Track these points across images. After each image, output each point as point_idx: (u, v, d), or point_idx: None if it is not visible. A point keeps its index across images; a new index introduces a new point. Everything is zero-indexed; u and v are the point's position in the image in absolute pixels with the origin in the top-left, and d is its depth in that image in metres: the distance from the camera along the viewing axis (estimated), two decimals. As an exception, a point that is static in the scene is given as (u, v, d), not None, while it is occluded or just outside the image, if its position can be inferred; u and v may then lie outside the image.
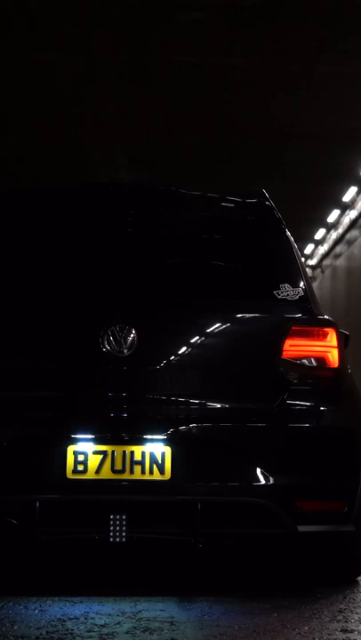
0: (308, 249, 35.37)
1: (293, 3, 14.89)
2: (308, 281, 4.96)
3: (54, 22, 15.58)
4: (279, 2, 14.90)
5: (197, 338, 4.59)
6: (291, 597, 4.50)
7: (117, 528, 4.33)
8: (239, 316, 4.68)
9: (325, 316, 4.78)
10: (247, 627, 3.94)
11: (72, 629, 3.75)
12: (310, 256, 36.53)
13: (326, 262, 34.58)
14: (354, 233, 29.65)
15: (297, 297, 4.75)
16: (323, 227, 31.88)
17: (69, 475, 4.34)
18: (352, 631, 3.92)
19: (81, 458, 4.36)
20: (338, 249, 32.21)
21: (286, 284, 4.78)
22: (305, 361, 4.61)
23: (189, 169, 24.20)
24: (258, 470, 4.40)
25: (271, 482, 4.40)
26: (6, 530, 4.30)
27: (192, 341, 4.58)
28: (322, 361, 4.63)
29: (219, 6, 14.99)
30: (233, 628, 3.92)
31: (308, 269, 37.81)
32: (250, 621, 4.03)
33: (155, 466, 4.37)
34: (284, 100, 19.19)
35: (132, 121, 20.41)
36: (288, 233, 5.14)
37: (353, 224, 29.56)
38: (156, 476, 4.36)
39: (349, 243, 30.28)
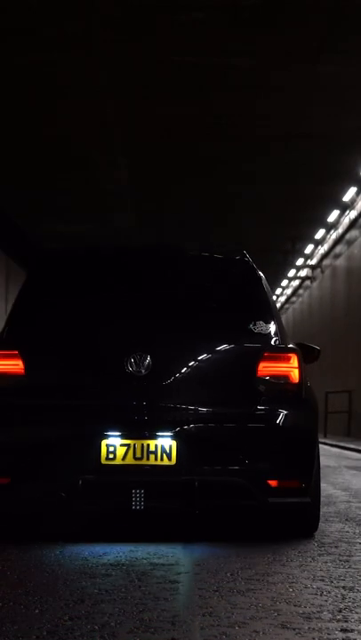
0: (308, 249, 35.36)
1: (293, 3, 15.00)
2: (279, 318, 6.80)
3: (54, 22, 15.64)
4: (279, 2, 15.01)
5: (194, 361, 6.40)
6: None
7: (137, 500, 6.14)
8: (226, 344, 6.49)
9: (290, 345, 6.59)
10: (246, 625, 3.95)
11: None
12: (310, 256, 36.49)
13: (326, 262, 34.56)
14: (354, 233, 29.64)
15: (268, 331, 6.59)
16: (323, 227, 31.87)
17: (103, 461, 6.17)
18: (352, 631, 3.93)
19: (111, 449, 6.18)
20: (338, 249, 32.19)
21: (261, 322, 6.63)
22: (274, 378, 6.39)
23: (190, 169, 24.26)
24: (239, 458, 6.21)
25: (249, 467, 6.21)
26: (58, 501, 6.17)
27: (190, 364, 6.39)
28: (286, 378, 6.42)
29: (219, 6, 15.10)
30: (233, 629, 3.93)
31: (308, 269, 37.77)
32: (247, 617, 4.04)
33: (164, 455, 6.18)
34: (284, 100, 19.24)
35: (131, 121, 20.51)
36: (264, 282, 6.94)
37: (353, 224, 29.54)
38: (165, 462, 6.18)
39: (349, 243, 30.26)
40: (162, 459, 6.17)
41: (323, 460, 16.70)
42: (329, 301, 34.33)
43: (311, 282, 38.25)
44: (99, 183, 25.26)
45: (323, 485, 9.82)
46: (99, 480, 6.19)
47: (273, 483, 6.25)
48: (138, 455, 6.18)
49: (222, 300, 6.85)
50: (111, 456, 6.18)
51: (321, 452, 19.79)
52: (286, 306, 46.42)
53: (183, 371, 6.37)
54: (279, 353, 6.46)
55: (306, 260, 37.18)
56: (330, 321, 33.80)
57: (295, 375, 6.45)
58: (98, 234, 31.57)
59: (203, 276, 7.03)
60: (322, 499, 7.68)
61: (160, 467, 6.17)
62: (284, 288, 44.85)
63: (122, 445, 6.17)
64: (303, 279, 39.69)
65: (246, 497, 6.25)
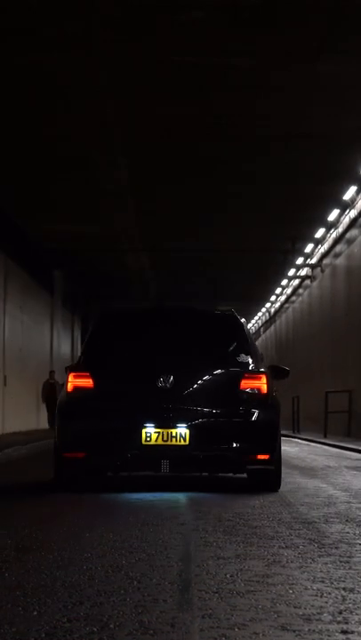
0: (308, 248, 35.33)
1: (293, 3, 15.01)
2: (255, 351, 10.84)
3: (54, 22, 15.65)
4: (279, 2, 15.02)
5: (200, 380, 10.21)
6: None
7: (165, 467, 9.94)
8: (220, 369, 10.33)
9: (261, 369, 10.42)
10: (246, 627, 3.94)
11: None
12: (310, 255, 36.46)
13: (326, 261, 34.53)
14: (354, 232, 29.60)
15: (247, 361, 10.50)
16: (323, 226, 31.84)
17: (143, 442, 9.88)
18: (352, 632, 3.92)
19: (148, 434, 9.90)
20: (338, 248, 32.16)
21: (242, 354, 10.58)
22: (250, 390, 10.16)
23: (189, 169, 24.27)
24: (229, 440, 9.93)
25: (235, 445, 9.94)
26: (115, 467, 10.23)
27: (198, 382, 10.19)
28: (259, 390, 10.18)
29: (219, 6, 15.11)
30: (233, 631, 3.91)
31: (308, 269, 37.71)
32: (247, 619, 4.03)
33: (181, 438, 9.88)
34: (285, 100, 19.24)
35: (131, 121, 20.50)
36: (245, 328, 10.94)
37: (353, 223, 29.51)
38: (182, 443, 9.87)
39: (349, 242, 30.22)
40: (180, 441, 9.92)
41: (323, 461, 16.70)
42: (329, 301, 34.30)
43: (311, 281, 38.22)
44: (99, 183, 25.23)
45: (323, 486, 11.07)
46: (140, 454, 9.97)
47: (250, 456, 10.05)
48: (165, 439, 9.92)
49: (218, 341, 10.80)
50: (148, 439, 9.93)
51: (321, 453, 19.87)
52: (286, 305, 46.38)
53: (193, 386, 10.18)
54: (254, 374, 10.31)
55: (306, 260, 37.16)
56: (330, 320, 33.78)
57: (264, 388, 10.24)
58: (98, 234, 31.62)
59: (206, 325, 11.05)
60: (322, 499, 9.32)
61: (179, 446, 9.91)
62: (283, 287, 44.82)
63: (155, 432, 9.92)
64: (303, 278, 39.66)
65: (234, 465, 10.23)
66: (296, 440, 29.33)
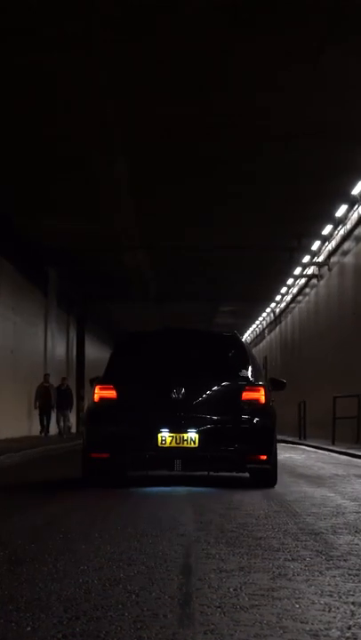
0: (315, 245, 35.33)
1: (293, 2, 15.38)
2: (255, 366, 13.07)
3: (54, 22, 16.03)
4: (279, 2, 15.39)
5: (208, 392, 12.22)
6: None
7: (177, 467, 11.95)
8: (225, 383, 12.38)
9: (260, 382, 12.51)
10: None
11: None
12: (317, 253, 36.46)
13: (334, 259, 34.52)
14: (363, 229, 29.59)
15: (247, 375, 12.55)
16: (330, 222, 31.84)
17: (159, 444, 11.90)
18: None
19: (163, 438, 11.93)
20: (346, 245, 32.15)
21: (243, 370, 12.65)
22: (251, 400, 12.19)
23: (190, 167, 24.51)
24: (232, 443, 11.93)
25: (237, 448, 11.97)
26: (135, 466, 12.35)
27: (206, 393, 12.21)
28: (258, 400, 12.22)
29: (219, 6, 15.45)
30: (232, 635, 3.91)
31: (314, 267, 37.71)
32: (251, 635, 4.02)
33: (191, 441, 11.88)
34: (285, 99, 19.61)
35: (131, 121, 20.84)
36: (246, 347, 13.17)
37: (362, 219, 29.49)
38: (192, 445, 11.87)
39: (358, 239, 30.21)
40: (190, 443, 12.01)
41: (330, 469, 16.72)
42: (337, 300, 34.29)
43: (318, 280, 38.22)
44: (99, 183, 25.57)
45: (331, 495, 11.22)
46: (156, 455, 12.07)
47: (250, 457, 12.15)
48: (177, 442, 12.01)
49: (222, 358, 13.01)
50: (163, 442, 12.02)
51: (328, 460, 19.89)
52: (292, 305, 46.38)
53: (201, 397, 12.27)
54: (254, 387, 12.45)
55: (312, 258, 37.15)
56: (338, 321, 33.78)
57: (262, 399, 12.37)
58: (96, 232, 31.70)
59: (212, 345, 13.32)
60: (330, 509, 9.46)
61: (189, 448, 12.00)
62: (289, 287, 44.83)
63: (169, 436, 12.02)
64: (310, 277, 39.67)
65: (236, 464, 12.25)
66: (302, 447, 29.34)
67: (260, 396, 12.31)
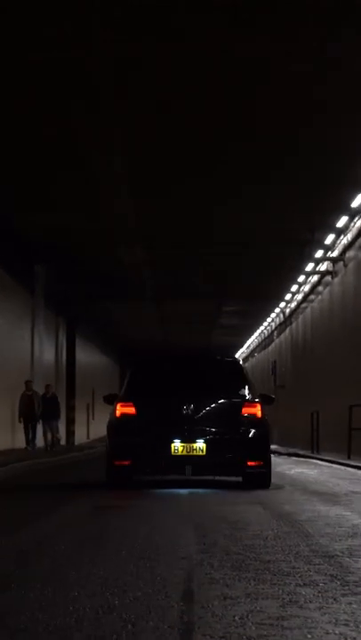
0: (329, 239, 35.32)
1: (294, 3, 16.52)
2: (252, 386, 16.67)
3: (54, 22, 17.10)
4: (279, 2, 16.51)
5: (213, 408, 16.03)
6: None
7: (188, 472, 15.73)
8: (227, 400, 16.17)
9: (256, 399, 16.28)
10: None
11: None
12: (331, 247, 36.45)
13: (350, 254, 34.52)
14: (381, 221, 29.61)
15: (245, 394, 16.37)
16: (346, 213, 31.82)
17: (172, 453, 15.59)
18: None
19: (176, 447, 15.60)
20: (363, 239, 32.14)
21: (242, 389, 16.41)
22: (249, 415, 15.96)
23: (190, 170, 25.38)
24: (234, 451, 15.68)
25: (238, 455, 15.68)
26: (152, 471, 16.16)
27: (212, 408, 16.00)
28: (255, 414, 16.00)
29: (219, 6, 16.57)
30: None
31: (328, 263, 37.73)
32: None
33: (200, 450, 15.60)
34: (285, 98, 20.62)
35: (131, 121, 21.96)
36: (245, 370, 17.14)
37: (380, 210, 29.51)
38: (200, 453, 15.60)
39: (376, 232, 30.22)
40: (198, 452, 15.50)
41: (346, 485, 16.79)
42: (352, 299, 34.31)
43: (332, 277, 38.24)
44: (98, 182, 26.48)
45: (346, 514, 11.22)
46: (170, 462, 15.54)
47: (249, 462, 15.59)
48: (188, 450, 15.49)
49: (225, 379, 16.60)
50: (176, 451, 15.48)
51: (344, 475, 19.95)
52: (304, 305, 46.38)
53: (208, 412, 15.81)
54: (251, 403, 16.00)
55: (326, 252, 37.17)
56: (353, 321, 33.78)
57: (258, 414, 15.91)
58: (91, 227, 31.82)
59: (216, 368, 17.16)
60: (346, 529, 9.52)
61: (198, 456, 15.49)
62: (300, 285, 44.83)
63: (180, 446, 15.48)
64: (323, 274, 39.68)
65: (237, 469, 15.86)
66: (315, 461, 29.37)
67: (257, 411, 15.97)
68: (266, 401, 16.81)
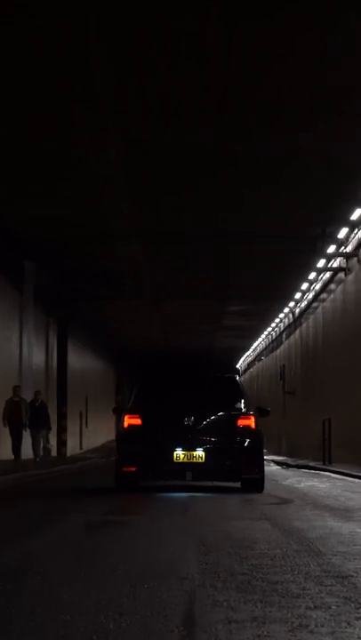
0: (342, 233, 35.30)
1: (294, 3, 17.31)
2: (247, 400, 19.93)
3: (54, 22, 17.88)
4: (279, 2, 17.30)
5: (212, 419, 19.01)
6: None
7: (188, 477, 18.58)
8: (224, 412, 19.15)
9: (251, 412, 19.43)
10: None
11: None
12: (345, 242, 36.44)
13: (364, 250, 34.53)
14: None
15: (242, 405, 19.52)
16: (360, 206, 31.80)
17: (174, 460, 18.52)
18: None
19: (177, 455, 18.54)
20: (379, 234, 32.16)
21: (238, 402, 19.55)
22: (244, 426, 18.92)
23: (190, 171, 26.02)
24: (230, 459, 18.63)
25: (234, 462, 18.65)
26: (156, 477, 19.11)
27: (211, 418, 19.01)
28: (249, 426, 18.98)
29: (218, 6, 17.27)
30: None
31: (341, 259, 37.76)
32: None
33: (199, 457, 18.52)
34: (286, 97, 21.24)
35: (131, 122, 22.84)
36: (241, 384, 20.20)
37: None
38: (200, 460, 18.52)
39: (393, 226, 30.23)
40: (198, 459, 18.32)
41: (360, 500, 16.73)
42: (368, 299, 34.34)
43: (346, 274, 38.25)
44: (94, 176, 26.90)
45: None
46: (172, 468, 18.37)
47: (244, 469, 18.50)
48: (188, 458, 18.33)
49: (223, 394, 19.33)
50: (177, 458, 18.33)
51: (358, 489, 20.08)
52: (315, 304, 46.39)
53: (207, 423, 18.66)
54: (247, 415, 18.93)
55: (339, 248, 37.17)
56: (369, 324, 33.82)
57: (253, 425, 18.77)
58: (84, 221, 31.90)
59: (215, 383, 19.55)
60: (359, 548, 9.44)
61: (198, 463, 18.31)
62: (311, 283, 44.83)
63: (182, 454, 18.33)
64: (336, 271, 39.70)
65: (233, 475, 18.71)
66: (327, 474, 29.37)
67: (252, 422, 18.84)
68: (262, 413, 20.10)
